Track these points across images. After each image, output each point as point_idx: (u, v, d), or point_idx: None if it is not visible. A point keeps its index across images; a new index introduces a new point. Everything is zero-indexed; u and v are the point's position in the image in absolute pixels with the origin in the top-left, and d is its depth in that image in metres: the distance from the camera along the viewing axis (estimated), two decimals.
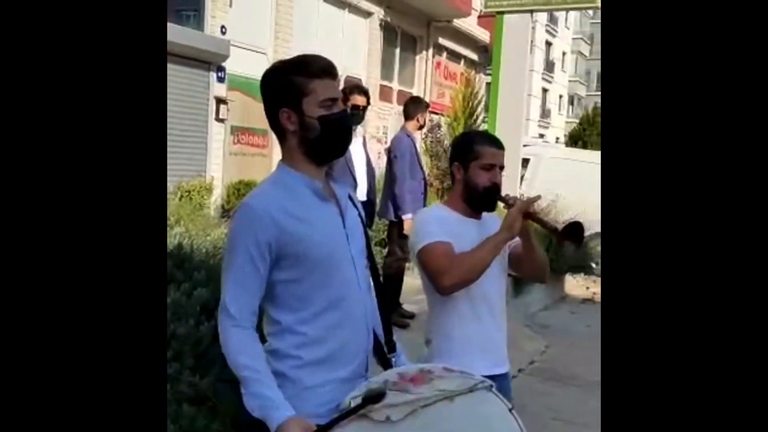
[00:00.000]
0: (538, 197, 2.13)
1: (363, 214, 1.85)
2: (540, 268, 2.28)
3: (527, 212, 2.07)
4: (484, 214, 2.24)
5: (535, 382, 4.96)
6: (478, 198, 2.16)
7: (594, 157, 12.36)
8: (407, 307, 5.66)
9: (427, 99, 7.31)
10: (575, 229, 2.06)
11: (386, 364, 1.80)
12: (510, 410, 1.59)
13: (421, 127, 5.54)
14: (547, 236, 2.37)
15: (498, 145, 2.20)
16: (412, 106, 5.47)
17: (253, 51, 9.73)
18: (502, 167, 2.19)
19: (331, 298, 1.64)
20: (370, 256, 1.82)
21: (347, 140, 1.74)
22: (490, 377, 2.12)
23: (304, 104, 1.63)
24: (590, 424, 4.36)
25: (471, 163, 2.16)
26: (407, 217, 5.17)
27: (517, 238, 2.17)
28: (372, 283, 1.81)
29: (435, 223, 2.16)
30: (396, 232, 5.34)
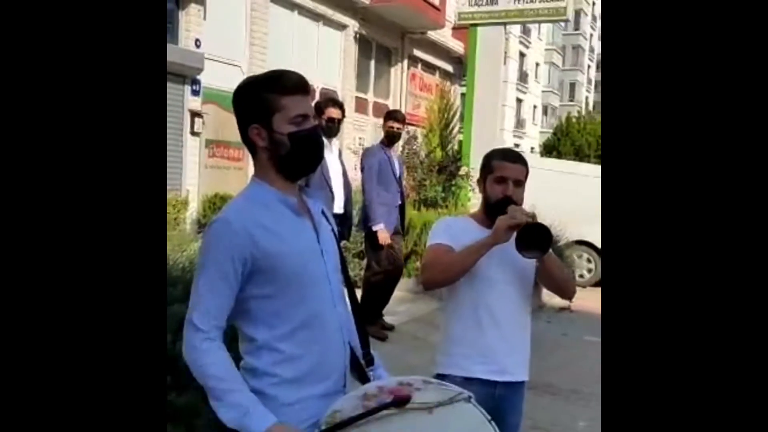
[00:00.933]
0: (526, 215, 2.14)
1: (336, 229, 1.85)
2: (557, 284, 2.34)
3: (515, 222, 2.10)
4: None
5: None
6: (492, 209, 2.24)
7: (568, 166, 12.49)
8: (387, 318, 5.67)
9: (402, 110, 7.31)
10: (543, 234, 2.06)
11: (364, 378, 1.80)
12: (489, 421, 1.60)
13: (387, 137, 5.49)
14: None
15: (511, 159, 2.28)
16: (383, 119, 5.53)
17: (228, 64, 9.72)
18: (517, 181, 2.25)
19: (306, 314, 1.63)
20: (345, 271, 1.82)
21: (318, 157, 1.72)
22: (491, 383, 2.19)
23: (275, 121, 1.62)
24: None
25: (488, 177, 2.28)
26: (378, 228, 5.15)
27: None
28: (347, 298, 1.81)
29: (444, 228, 2.31)
30: (369, 245, 5.34)
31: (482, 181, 2.32)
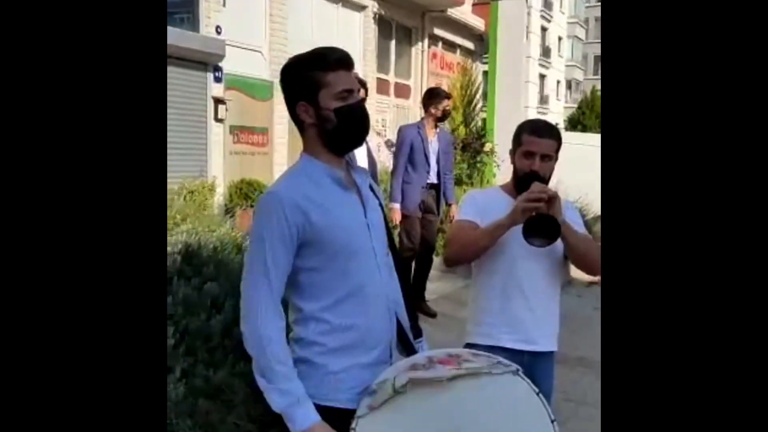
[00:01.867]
0: (541, 195, 2.12)
1: (383, 203, 1.88)
2: (581, 261, 2.30)
3: (530, 204, 2.09)
4: None
5: None
6: (519, 183, 2.26)
7: (594, 140, 12.35)
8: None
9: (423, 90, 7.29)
10: (544, 223, 2.05)
11: (410, 351, 1.83)
12: (537, 393, 1.62)
13: (439, 119, 5.49)
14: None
15: (539, 134, 2.27)
16: (428, 99, 5.51)
17: (249, 49, 9.73)
18: (545, 156, 2.24)
19: (351, 286, 1.66)
20: (392, 244, 1.85)
21: (365, 129, 1.76)
22: (518, 352, 2.20)
23: (320, 97, 1.66)
24: (599, 405, 4.40)
25: (517, 150, 2.29)
26: (393, 206, 5.20)
27: None
28: (395, 272, 1.84)
29: (470, 202, 2.35)
30: (401, 225, 5.38)
31: (512, 154, 2.33)
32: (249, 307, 1.61)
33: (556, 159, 2.30)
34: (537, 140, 2.25)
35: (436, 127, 5.45)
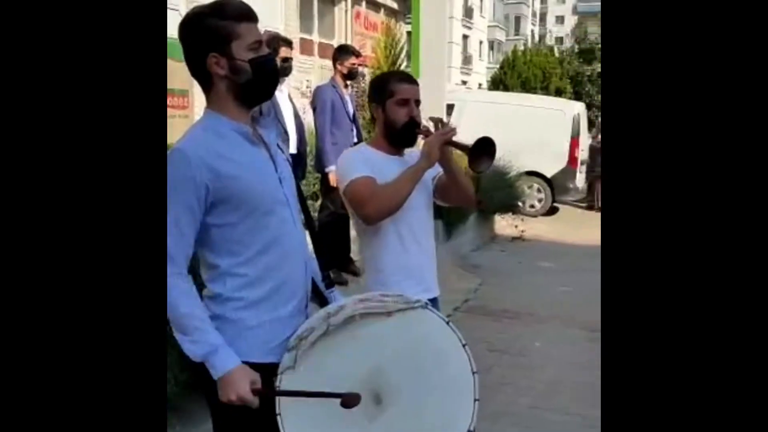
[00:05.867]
0: (454, 129, 2.19)
1: (289, 158, 1.88)
2: (465, 193, 2.36)
3: (448, 138, 2.15)
4: (407, 152, 2.32)
5: (469, 319, 5.13)
6: (398, 133, 2.25)
7: (516, 99, 12.58)
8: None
9: None
10: (486, 143, 2.13)
11: (324, 303, 1.86)
12: (447, 323, 1.70)
13: (346, 76, 5.41)
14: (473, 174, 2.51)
15: (411, 80, 2.30)
16: (338, 55, 5.40)
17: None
18: (418, 102, 2.27)
19: (267, 239, 1.66)
20: (301, 198, 1.86)
21: (276, 82, 1.75)
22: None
23: (234, 48, 1.61)
24: (523, 353, 4.60)
25: (387, 101, 2.24)
26: (330, 170, 5.13)
27: (440, 170, 2.28)
28: (305, 224, 1.86)
29: (357, 160, 2.24)
30: (323, 186, 5.33)
31: (380, 107, 2.26)
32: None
33: None
34: (410, 87, 2.25)
35: (346, 86, 5.37)
